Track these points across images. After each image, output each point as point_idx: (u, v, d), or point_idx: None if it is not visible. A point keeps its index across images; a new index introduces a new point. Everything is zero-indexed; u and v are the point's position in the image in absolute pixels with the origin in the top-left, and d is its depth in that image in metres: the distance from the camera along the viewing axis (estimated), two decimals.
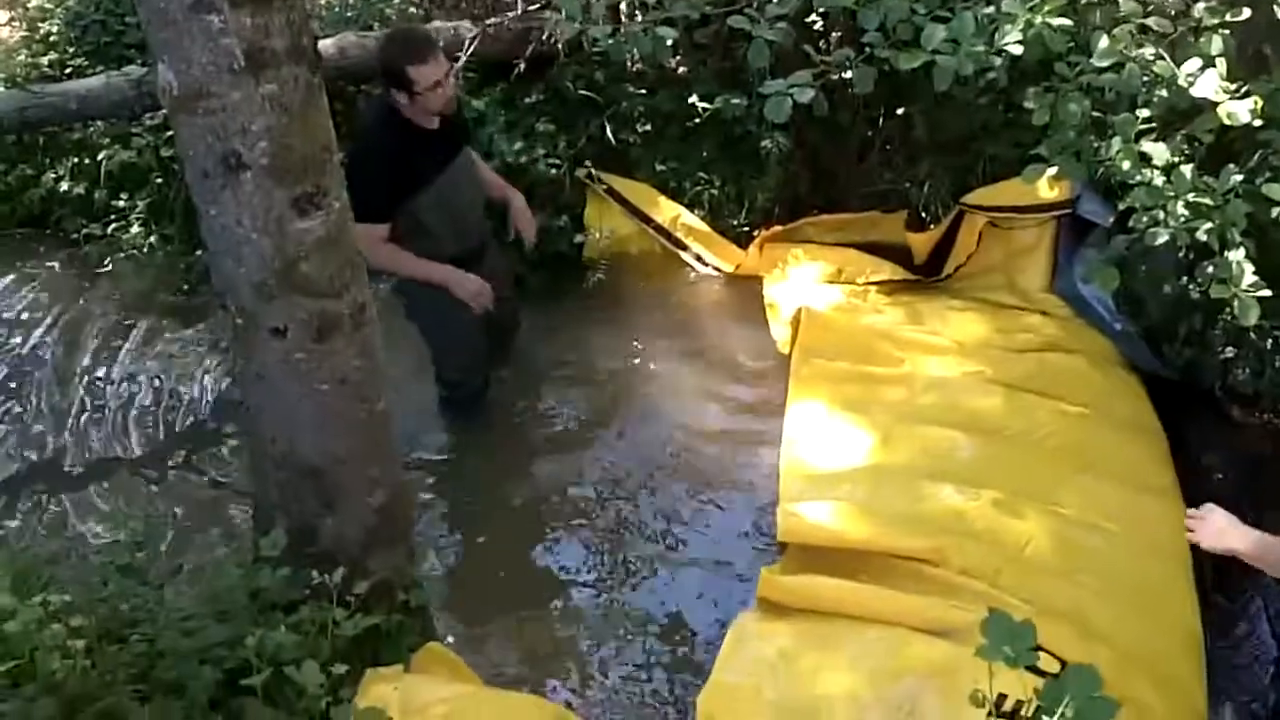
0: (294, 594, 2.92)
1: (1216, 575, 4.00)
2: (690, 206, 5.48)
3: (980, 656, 2.00)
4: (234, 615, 2.83)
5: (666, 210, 5.44)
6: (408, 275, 4.18)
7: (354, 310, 2.82)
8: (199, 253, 5.23)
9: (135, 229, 5.54)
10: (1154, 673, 3.46)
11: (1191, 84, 3.38)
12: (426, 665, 3.21)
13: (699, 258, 5.43)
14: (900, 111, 5.32)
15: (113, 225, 5.65)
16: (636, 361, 4.98)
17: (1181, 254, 4.37)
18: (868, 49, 3.47)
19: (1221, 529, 3.00)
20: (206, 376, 4.94)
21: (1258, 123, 3.73)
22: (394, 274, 4.20)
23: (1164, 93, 3.48)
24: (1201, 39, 3.46)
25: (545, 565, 4.12)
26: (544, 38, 5.13)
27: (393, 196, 4.01)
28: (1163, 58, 3.43)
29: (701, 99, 5.30)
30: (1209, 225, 3.56)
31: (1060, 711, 1.76)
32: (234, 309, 2.76)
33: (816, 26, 4.77)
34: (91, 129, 5.70)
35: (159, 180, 5.45)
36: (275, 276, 2.66)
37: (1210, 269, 3.58)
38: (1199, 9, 3.60)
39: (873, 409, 4.34)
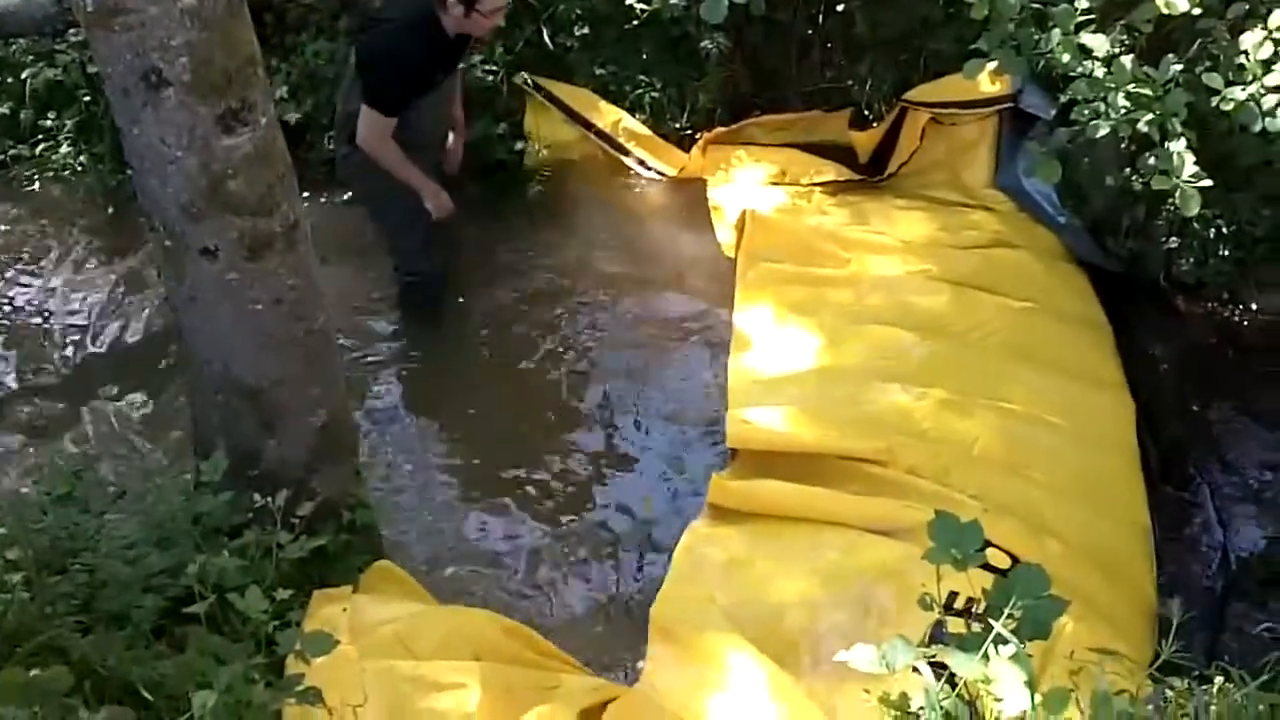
0: (237, 518, 2.89)
1: (1164, 465, 4.06)
2: (631, 110, 5.39)
3: (928, 559, 2.00)
4: (176, 542, 2.80)
5: (607, 115, 5.35)
6: (397, 175, 4.23)
7: (286, 227, 2.75)
8: (130, 171, 5.09)
9: (64, 149, 5.40)
10: (1103, 564, 3.52)
11: None
12: (376, 584, 3.19)
13: (641, 162, 5.36)
14: (840, 8, 5.26)
15: (41, 145, 5.49)
16: (581, 269, 4.93)
17: (1123, 146, 4.36)
18: None
19: None
20: (139, 297, 4.84)
21: (1197, 11, 3.71)
22: (379, 162, 4.20)
23: None
24: None
25: (494, 475, 4.09)
26: None
27: (409, 97, 4.09)
28: None
29: (639, 0, 5.18)
30: (1149, 116, 3.55)
31: (1008, 611, 1.76)
32: (162, 230, 2.69)
33: None
34: (14, 47, 5.51)
35: (86, 98, 5.29)
36: (203, 196, 2.59)
37: (1151, 160, 3.57)
38: None
39: (819, 311, 4.34)
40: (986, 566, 2.23)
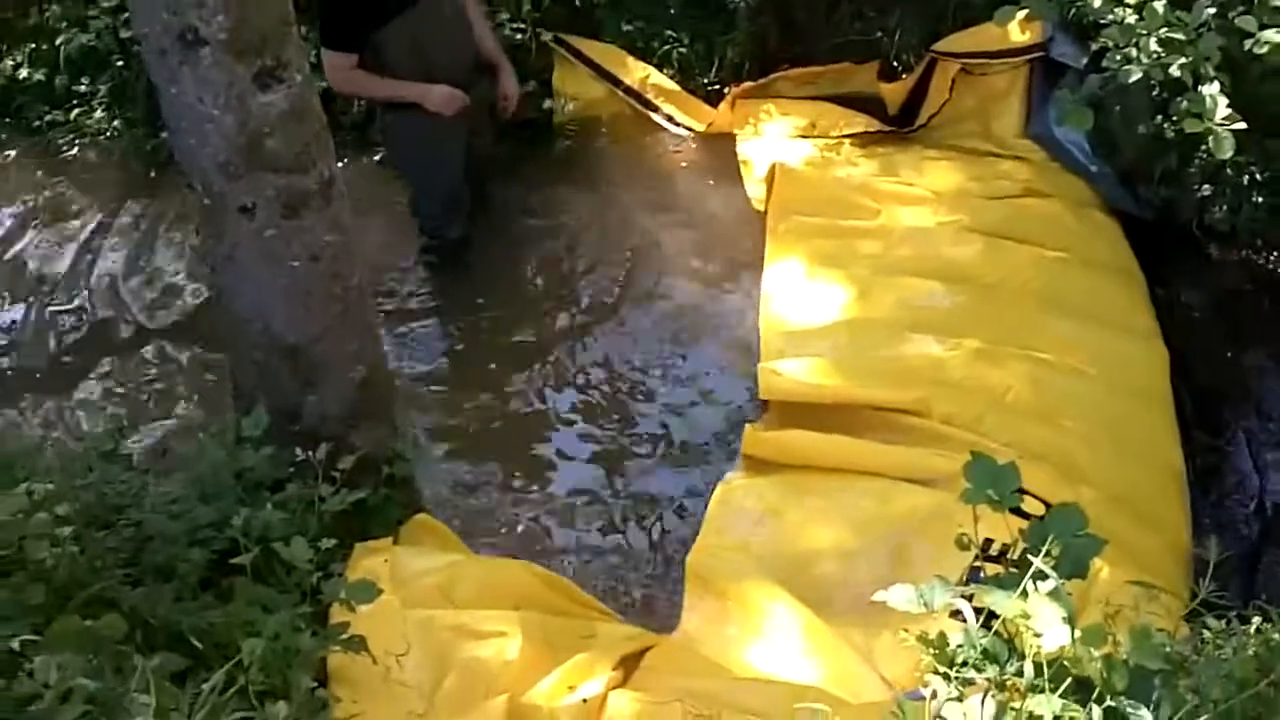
0: (279, 473, 2.92)
1: (1197, 412, 4.05)
2: (659, 66, 5.37)
3: (964, 500, 2.02)
4: (220, 497, 2.84)
5: (635, 71, 5.34)
6: (378, 98, 4.20)
7: (322, 184, 2.78)
8: (164, 135, 5.13)
9: (99, 114, 5.42)
10: (1137, 511, 3.53)
11: None
12: (415, 536, 3.24)
13: (670, 118, 5.34)
14: None
15: (75, 111, 5.52)
16: (612, 224, 4.94)
17: (1155, 93, 4.33)
18: None
19: None
20: (175, 259, 4.88)
21: None
22: (363, 97, 4.15)
23: None
24: None
25: (529, 428, 4.13)
26: None
27: (356, 23, 3.97)
28: None
29: None
30: (1182, 60, 3.51)
31: (1045, 549, 1.78)
32: (200, 189, 2.72)
33: None
34: (47, 13, 5.56)
35: (120, 63, 5.31)
36: (240, 154, 2.62)
37: (1184, 104, 3.54)
38: None
39: (850, 263, 4.34)
40: (1021, 513, 2.24)
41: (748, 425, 3.68)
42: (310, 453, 2.84)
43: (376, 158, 5.07)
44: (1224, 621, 2.35)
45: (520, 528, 3.77)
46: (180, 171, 2.84)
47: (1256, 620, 2.32)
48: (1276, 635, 2.26)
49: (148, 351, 4.24)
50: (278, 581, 2.60)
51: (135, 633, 2.29)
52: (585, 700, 2.69)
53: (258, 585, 2.52)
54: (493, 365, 4.37)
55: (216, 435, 3.12)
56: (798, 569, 3.30)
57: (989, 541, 2.75)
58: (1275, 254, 4.62)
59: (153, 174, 5.22)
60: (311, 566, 2.41)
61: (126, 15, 5.09)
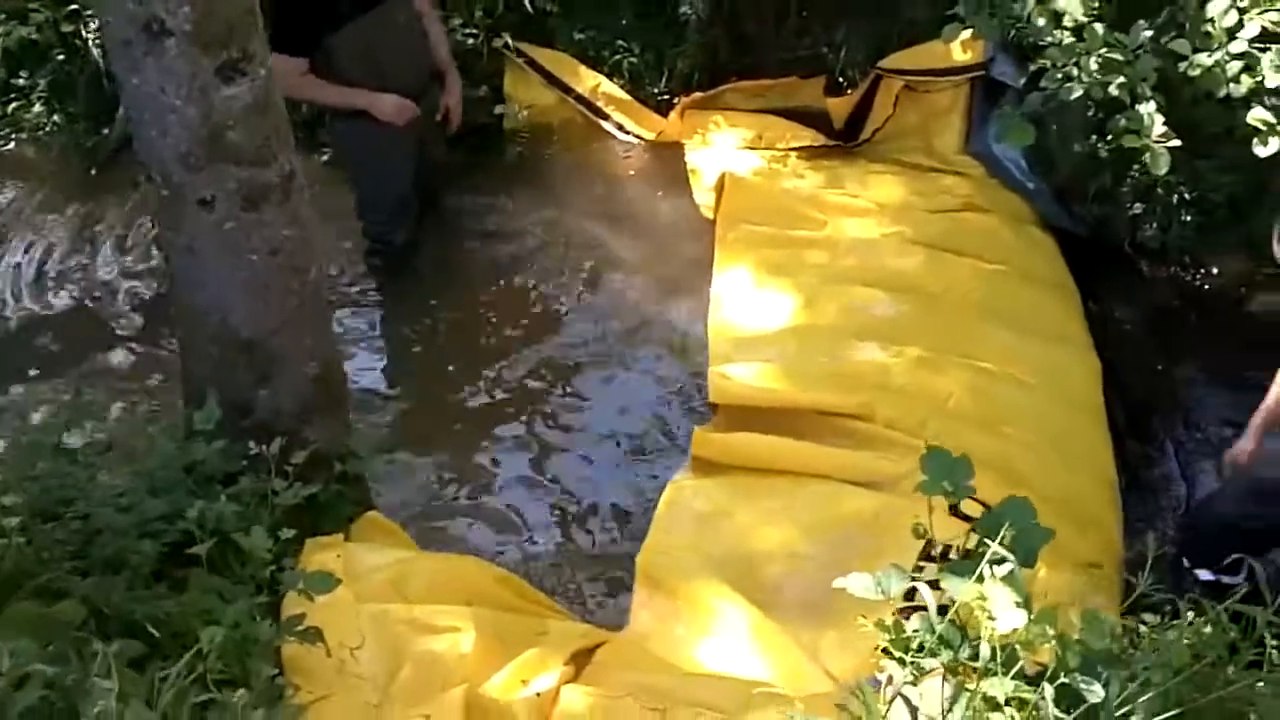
0: (231, 466, 2.91)
1: (1130, 422, 4.17)
2: (610, 75, 5.44)
3: (921, 491, 2.08)
4: (170, 490, 2.82)
5: (586, 79, 5.41)
6: (328, 104, 4.19)
7: (283, 178, 2.78)
8: (104, 131, 5.10)
9: (37, 108, 5.36)
10: (1073, 515, 3.61)
11: None
12: (365, 534, 3.24)
13: (620, 126, 5.41)
14: None
15: (13, 104, 5.45)
16: (561, 229, 4.98)
17: (1091, 113, 4.46)
18: None
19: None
20: (115, 253, 4.83)
21: None
22: (313, 103, 4.13)
23: None
24: None
25: (477, 429, 4.15)
26: None
27: (308, 28, 3.97)
28: None
29: None
30: (1120, 80, 3.64)
31: (1000, 537, 1.84)
32: (159, 180, 2.70)
33: None
34: None
35: (60, 57, 5.25)
36: (202, 146, 2.61)
37: (1122, 122, 3.67)
38: None
39: (797, 271, 4.42)
40: (962, 515, 2.30)
41: (696, 428, 3.72)
42: (264, 447, 2.84)
43: (324, 158, 5.06)
44: (1159, 616, 2.43)
45: (469, 528, 3.78)
46: (122, 167, 2.84)
47: (1190, 614, 2.41)
48: (1207, 628, 2.34)
49: (91, 346, 4.18)
50: (232, 573, 2.61)
51: (89, 621, 2.28)
52: (539, 694, 2.71)
53: (213, 576, 2.51)
54: (439, 367, 4.39)
55: (166, 429, 3.10)
56: (746, 569, 3.34)
57: (930, 543, 2.82)
58: (1203, 271, 4.76)
59: (93, 171, 5.16)
60: (270, 556, 2.41)
61: (70, 8, 5.08)
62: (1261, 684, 2.10)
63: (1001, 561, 1.80)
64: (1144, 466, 4.09)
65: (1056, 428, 3.91)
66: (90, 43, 5.07)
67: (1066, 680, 1.71)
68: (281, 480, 2.84)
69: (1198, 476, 4.02)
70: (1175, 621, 2.37)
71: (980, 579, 1.81)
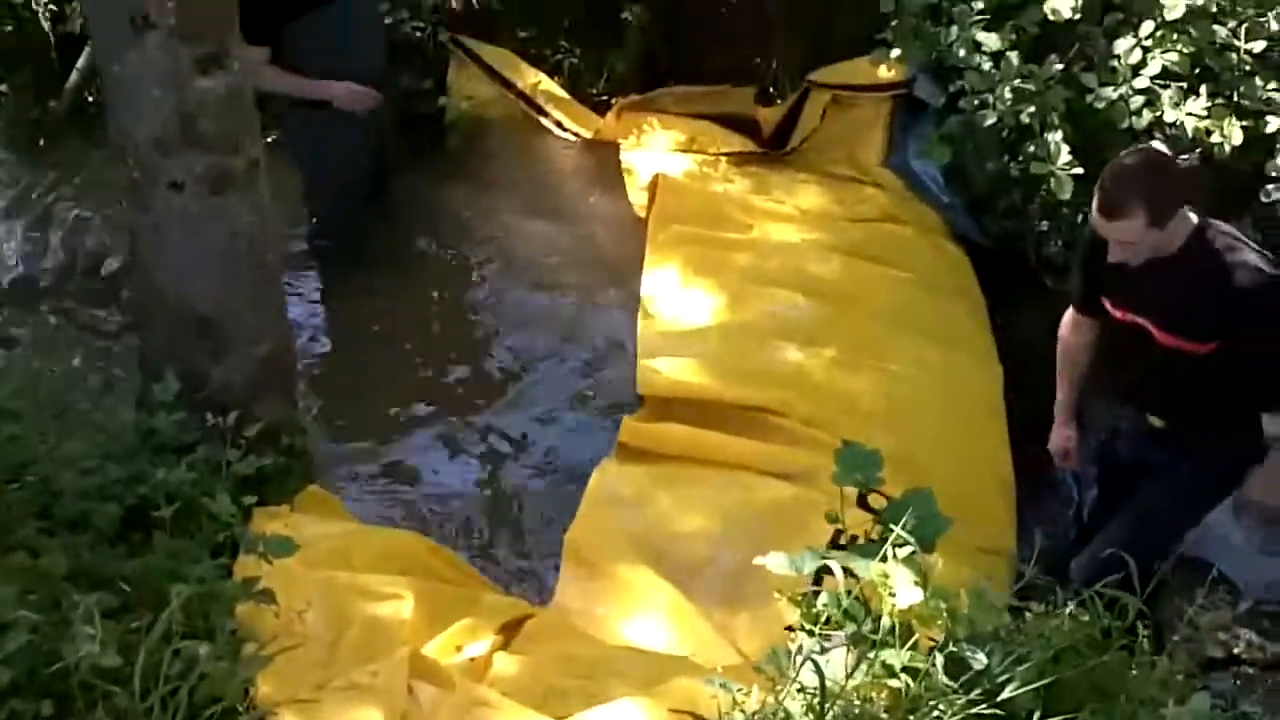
0: (187, 437, 3.07)
1: (1028, 425, 4.43)
2: (550, 74, 5.59)
3: (835, 482, 2.32)
4: (130, 457, 2.98)
5: (527, 76, 5.54)
6: (293, 93, 4.28)
7: (248, 165, 2.96)
8: (52, 103, 5.14)
9: None
10: (971, 509, 3.83)
11: None
12: (308, 506, 3.39)
13: (559, 123, 5.54)
14: None
15: None
16: (497, 218, 5.13)
17: (1004, 135, 4.71)
18: None
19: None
20: (62, 227, 4.89)
21: (1077, 16, 4.10)
22: (278, 92, 4.25)
23: None
24: None
25: (414, 414, 4.31)
26: None
27: (270, 17, 4.04)
28: None
29: None
30: (1031, 109, 3.92)
31: (903, 524, 2.08)
32: (131, 163, 2.86)
33: None
34: None
35: (9, 28, 5.26)
36: (175, 132, 2.79)
37: (1031, 148, 3.95)
38: None
39: (723, 272, 4.60)
40: (868, 508, 2.52)
41: (625, 417, 3.92)
42: (220, 419, 3.00)
43: (270, 138, 5.14)
44: (1043, 606, 2.69)
45: (403, 504, 3.94)
46: (69, 138, 2.96)
47: (1070, 605, 2.66)
48: (1085, 616, 2.61)
49: (37, 315, 4.27)
50: (189, 537, 2.76)
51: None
52: (473, 660, 2.91)
53: (173, 539, 2.67)
54: (376, 353, 4.55)
55: (117, 401, 3.23)
56: (666, 551, 3.55)
57: (840, 531, 3.07)
58: None
59: (40, 142, 5.20)
60: (235, 520, 2.57)
61: None
62: (1133, 670, 2.35)
63: (904, 545, 2.04)
64: (1041, 470, 4.34)
65: (958, 429, 4.16)
66: (40, 15, 5.10)
67: (954, 649, 1.96)
68: (235, 451, 3.01)
69: (1087, 477, 4.29)
70: (1057, 611, 2.63)
71: (884, 559, 2.05)
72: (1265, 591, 3.94)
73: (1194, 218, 3.03)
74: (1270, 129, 3.94)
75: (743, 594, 3.40)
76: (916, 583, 2.02)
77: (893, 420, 4.05)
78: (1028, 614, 2.67)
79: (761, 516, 3.62)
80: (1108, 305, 3.27)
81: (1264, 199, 3.90)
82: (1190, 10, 4.02)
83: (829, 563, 2.10)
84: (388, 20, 4.75)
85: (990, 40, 3.94)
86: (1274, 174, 3.86)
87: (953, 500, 3.71)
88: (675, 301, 4.49)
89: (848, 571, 2.14)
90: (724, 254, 4.72)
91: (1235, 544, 4.09)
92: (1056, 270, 5.03)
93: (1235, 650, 3.83)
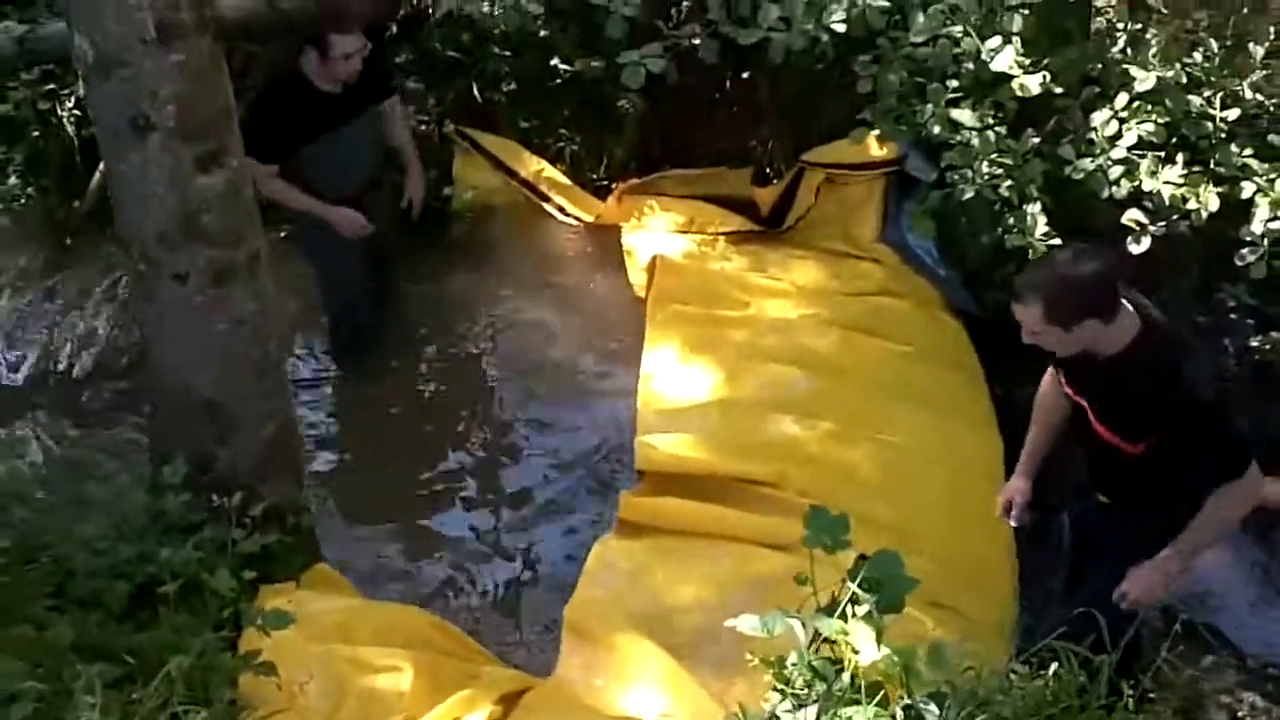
0: (195, 517, 3.19)
1: (1030, 496, 4.48)
2: (552, 161, 5.74)
3: (803, 544, 2.41)
4: (140, 537, 3.10)
5: (530, 164, 5.68)
6: (294, 209, 4.46)
7: (250, 258, 3.10)
8: (76, 204, 5.34)
9: (12, 180, 5.55)
10: (971, 580, 3.91)
11: (992, 58, 3.83)
12: (314, 584, 3.50)
13: (560, 208, 5.69)
14: (745, 75, 5.65)
15: None
16: (502, 303, 5.29)
17: (995, 207, 4.81)
18: (712, 24, 3.85)
19: (1153, 582, 3.17)
20: (83, 323, 5.08)
21: (1058, 90, 4.21)
22: (278, 204, 4.43)
23: (970, 65, 3.92)
24: (1003, 18, 3.91)
25: (419, 492, 4.43)
26: (414, 1, 5.36)
27: (280, 145, 4.27)
28: (969, 34, 3.87)
29: (563, 61, 5.56)
30: (1009, 182, 4.03)
31: (860, 581, 2.16)
32: (137, 256, 3.01)
33: None
34: None
35: (36, 133, 5.48)
36: (178, 227, 2.93)
37: (1010, 221, 4.05)
38: None
39: (721, 348, 4.70)
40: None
41: (623, 492, 4.00)
42: (225, 500, 3.12)
43: (283, 234, 5.33)
44: (1028, 666, 2.74)
45: (409, 581, 4.05)
46: (93, 237, 3.12)
47: (1054, 666, 2.71)
48: (1066, 676, 2.67)
49: (60, 406, 4.42)
50: (194, 612, 2.87)
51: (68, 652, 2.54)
52: None
53: (178, 614, 2.78)
54: (385, 433, 4.68)
55: (134, 482, 3.36)
56: (664, 623, 3.60)
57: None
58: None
59: (67, 241, 5.40)
60: (233, 595, 2.68)
61: (48, 87, 5.34)
62: None
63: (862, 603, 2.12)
64: (1041, 536, 4.38)
65: (957, 498, 4.18)
66: (65, 120, 5.31)
67: (910, 704, 2.03)
68: (240, 531, 3.13)
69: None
70: (1040, 671, 2.69)
71: (844, 617, 2.13)
72: (1265, 648, 3.97)
73: (1138, 320, 2.99)
74: (1246, 194, 4.01)
75: (738, 662, 3.42)
76: (876, 637, 2.09)
77: (891, 490, 4.11)
78: (1012, 675, 2.75)
79: (756, 586, 3.67)
80: (1061, 377, 3.29)
81: (1239, 262, 3.96)
82: (1161, 82, 4.13)
83: (792, 622, 2.18)
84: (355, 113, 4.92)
85: (964, 117, 4.06)
86: (1249, 238, 3.92)
87: (952, 570, 3.87)
88: (674, 379, 4.58)
89: (816, 632, 2.22)
90: (721, 331, 4.82)
91: (1236, 606, 4.14)
92: None
93: (1239, 714, 3.85)
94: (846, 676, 2.12)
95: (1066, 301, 2.92)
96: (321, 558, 3.66)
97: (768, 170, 5.85)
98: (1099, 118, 4.19)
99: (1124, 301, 2.99)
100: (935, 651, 2.14)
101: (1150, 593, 3.17)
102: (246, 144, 4.00)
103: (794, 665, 2.21)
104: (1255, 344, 4.71)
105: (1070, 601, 3.71)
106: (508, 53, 5.65)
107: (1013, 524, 3.65)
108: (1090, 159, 4.14)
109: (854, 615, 2.14)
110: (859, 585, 2.28)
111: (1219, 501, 3.04)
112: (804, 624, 2.21)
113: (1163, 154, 4.11)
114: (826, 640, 2.25)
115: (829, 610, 2.29)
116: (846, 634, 2.10)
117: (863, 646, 2.10)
